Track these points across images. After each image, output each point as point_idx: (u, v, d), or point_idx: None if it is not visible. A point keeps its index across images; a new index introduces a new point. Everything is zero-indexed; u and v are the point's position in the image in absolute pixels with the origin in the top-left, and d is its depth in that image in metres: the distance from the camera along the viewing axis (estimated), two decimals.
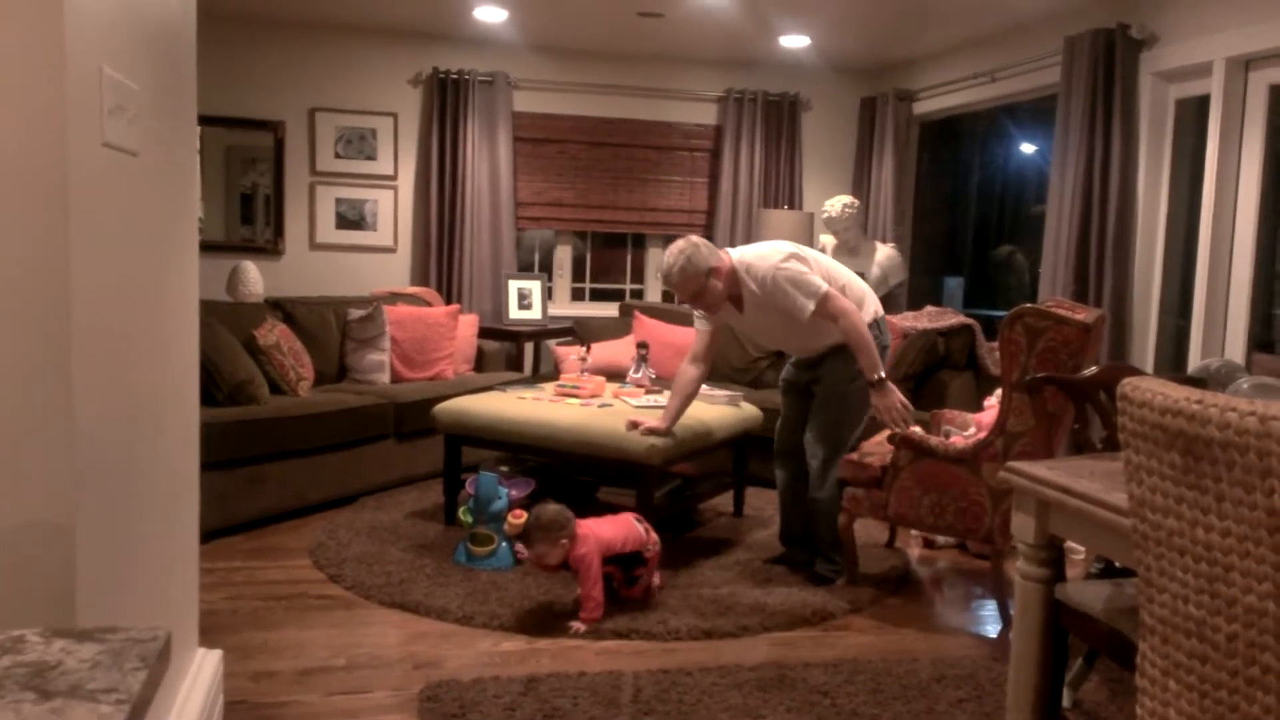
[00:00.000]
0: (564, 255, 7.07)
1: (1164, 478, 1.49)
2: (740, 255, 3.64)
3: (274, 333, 4.71)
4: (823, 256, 3.72)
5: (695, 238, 3.64)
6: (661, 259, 7.09)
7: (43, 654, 0.77)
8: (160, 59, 2.06)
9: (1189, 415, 1.42)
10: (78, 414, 1.57)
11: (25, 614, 1.49)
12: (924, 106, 6.55)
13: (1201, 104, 4.44)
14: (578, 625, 3.26)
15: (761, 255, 3.60)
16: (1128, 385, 1.55)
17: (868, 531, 4.39)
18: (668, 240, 7.22)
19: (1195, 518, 1.45)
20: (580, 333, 6.03)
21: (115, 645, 0.77)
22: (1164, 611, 1.52)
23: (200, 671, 2.43)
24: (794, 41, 6.15)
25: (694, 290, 3.59)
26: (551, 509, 3.29)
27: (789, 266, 3.53)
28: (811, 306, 3.49)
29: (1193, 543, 1.46)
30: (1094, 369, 2.53)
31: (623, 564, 3.42)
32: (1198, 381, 2.67)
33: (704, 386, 4.81)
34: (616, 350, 5.60)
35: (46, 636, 0.80)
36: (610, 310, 6.75)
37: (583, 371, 4.71)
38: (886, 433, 3.71)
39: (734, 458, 4.60)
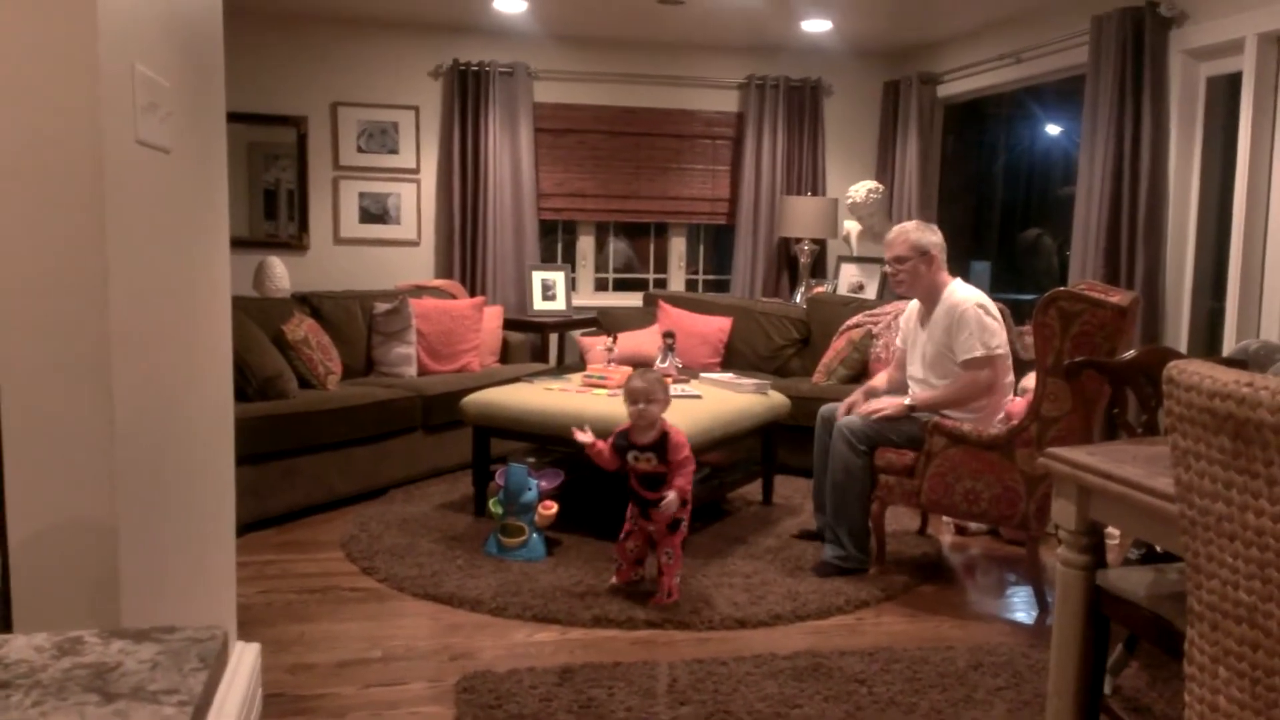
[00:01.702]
0: (586, 245, 7.06)
1: (1212, 462, 1.47)
2: (959, 282, 3.78)
3: (302, 327, 4.73)
4: (1009, 354, 3.74)
5: (934, 227, 3.86)
6: (683, 247, 7.11)
7: (102, 655, 0.77)
8: (189, 56, 2.06)
9: (1239, 399, 1.39)
10: (117, 412, 1.58)
11: (74, 611, 1.51)
12: (948, 89, 6.48)
13: (1233, 82, 4.37)
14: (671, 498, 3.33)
15: (973, 294, 3.72)
16: (1174, 369, 1.52)
17: (899, 519, 4.37)
18: (690, 229, 7.20)
19: (1245, 502, 1.42)
20: (604, 323, 6.02)
21: (174, 645, 0.77)
22: (1213, 598, 1.49)
23: (239, 665, 2.44)
24: (815, 26, 6.10)
25: (899, 253, 3.74)
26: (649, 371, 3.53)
27: (987, 315, 3.63)
28: (978, 353, 3.58)
29: (1243, 528, 1.43)
30: (1133, 352, 2.50)
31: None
32: (1237, 363, 2.63)
33: (730, 375, 4.82)
34: (641, 340, 5.59)
35: (104, 637, 0.80)
36: (634, 300, 6.74)
37: (609, 362, 4.70)
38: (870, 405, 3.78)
39: (762, 446, 4.58)
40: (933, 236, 3.76)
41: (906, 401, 3.70)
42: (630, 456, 3.41)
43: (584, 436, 3.50)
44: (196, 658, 0.75)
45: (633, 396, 3.40)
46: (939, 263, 3.75)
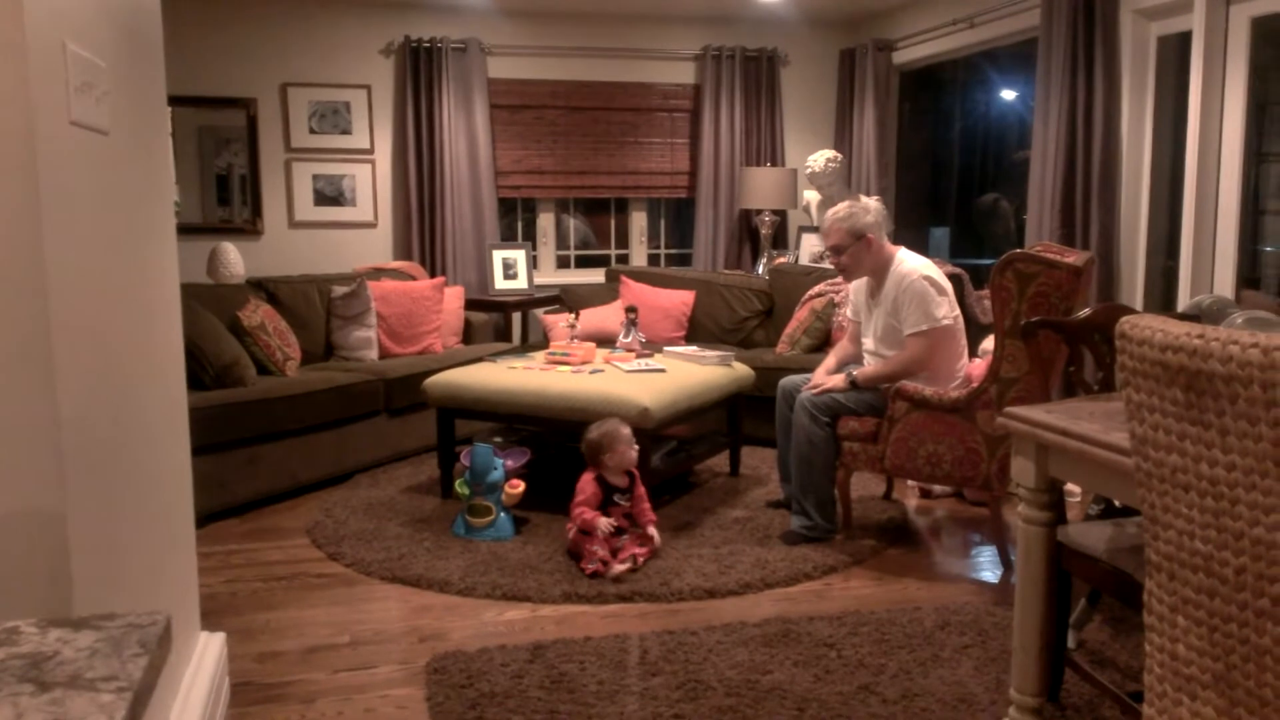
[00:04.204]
0: (546, 222, 7.02)
1: (1166, 414, 1.48)
2: (905, 252, 3.76)
3: (258, 313, 4.66)
4: (959, 319, 3.71)
5: (872, 203, 3.77)
6: (644, 222, 7.08)
7: (39, 645, 0.75)
8: (126, 35, 2.00)
9: (1190, 351, 1.40)
10: (60, 400, 1.54)
11: (22, 604, 1.47)
12: (903, 56, 6.49)
13: (1183, 40, 4.41)
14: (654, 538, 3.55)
15: (920, 264, 3.69)
16: (1126, 323, 1.53)
17: (864, 485, 4.40)
18: (650, 203, 7.17)
19: (1199, 453, 1.44)
20: (567, 300, 5.99)
21: (114, 632, 0.75)
22: (1170, 548, 1.51)
23: (204, 655, 2.42)
24: None
25: (836, 243, 3.73)
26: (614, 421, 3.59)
27: (931, 287, 3.60)
28: (923, 326, 3.58)
29: (1197, 478, 1.45)
30: (1088, 310, 2.52)
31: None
32: (1190, 318, 2.66)
33: (694, 348, 4.82)
34: (605, 315, 5.57)
35: (42, 627, 0.78)
36: (596, 276, 6.71)
37: (572, 339, 4.68)
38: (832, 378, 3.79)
39: (728, 417, 4.59)
40: (867, 217, 3.70)
41: (852, 375, 3.71)
42: (617, 498, 3.55)
43: (606, 525, 3.48)
44: (137, 643, 0.73)
45: (614, 444, 3.49)
46: (879, 240, 3.72)
